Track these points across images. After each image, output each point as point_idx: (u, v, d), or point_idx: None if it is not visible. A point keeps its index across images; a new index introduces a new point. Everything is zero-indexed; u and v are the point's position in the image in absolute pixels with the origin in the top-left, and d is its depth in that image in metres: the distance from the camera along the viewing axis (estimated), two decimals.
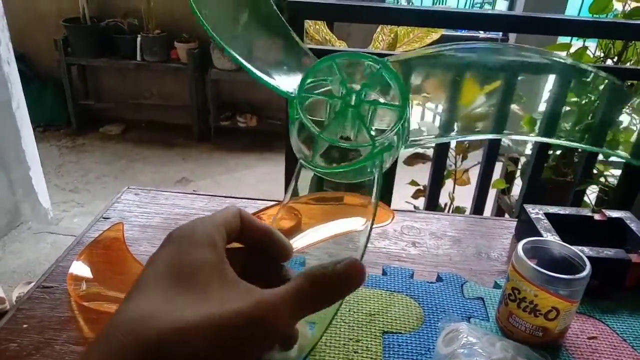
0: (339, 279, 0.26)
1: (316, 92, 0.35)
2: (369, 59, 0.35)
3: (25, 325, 0.49)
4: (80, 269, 0.53)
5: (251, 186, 2.68)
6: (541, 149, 1.24)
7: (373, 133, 0.34)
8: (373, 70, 0.35)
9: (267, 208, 0.68)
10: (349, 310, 0.53)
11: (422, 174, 1.53)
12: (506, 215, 1.79)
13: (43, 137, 3.03)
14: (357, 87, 0.35)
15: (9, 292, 1.63)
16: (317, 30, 1.66)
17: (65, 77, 2.99)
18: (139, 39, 2.88)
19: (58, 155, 2.92)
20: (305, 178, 0.37)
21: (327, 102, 0.35)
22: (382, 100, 0.35)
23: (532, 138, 0.42)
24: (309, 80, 0.35)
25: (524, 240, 0.51)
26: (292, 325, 0.27)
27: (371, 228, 0.33)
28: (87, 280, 0.53)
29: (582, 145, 0.43)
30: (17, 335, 0.47)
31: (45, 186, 2.11)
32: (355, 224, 0.54)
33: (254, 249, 0.31)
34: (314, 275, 0.26)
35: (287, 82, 0.37)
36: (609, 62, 1.57)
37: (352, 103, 0.34)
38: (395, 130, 0.34)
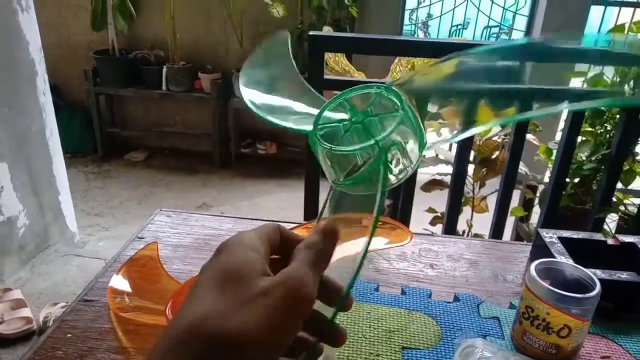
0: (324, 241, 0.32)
1: (327, 124, 0.40)
2: (372, 88, 0.39)
3: (69, 335, 0.53)
4: (119, 283, 0.57)
5: (270, 212, 2.72)
6: (559, 177, 1.25)
7: (378, 139, 0.37)
8: (382, 96, 0.39)
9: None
10: (370, 327, 0.56)
11: (439, 202, 1.55)
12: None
13: (70, 163, 3.13)
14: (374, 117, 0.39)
15: (36, 312, 1.68)
16: (336, 62, 1.73)
17: (93, 106, 3.12)
18: (164, 70, 3.01)
19: (84, 181, 3.02)
20: (332, 200, 0.41)
21: (340, 128, 0.39)
22: (402, 140, 0.38)
23: (564, 106, 0.44)
24: (322, 116, 0.40)
25: (537, 261, 0.53)
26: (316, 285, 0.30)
27: (369, 242, 0.33)
28: (126, 294, 0.57)
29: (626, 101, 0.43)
30: (63, 344, 0.51)
31: (72, 210, 2.19)
32: (375, 244, 0.57)
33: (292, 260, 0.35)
34: (308, 244, 0.32)
35: (308, 122, 0.42)
36: (625, 87, 1.59)
37: (358, 119, 0.38)
38: (395, 130, 0.37)
